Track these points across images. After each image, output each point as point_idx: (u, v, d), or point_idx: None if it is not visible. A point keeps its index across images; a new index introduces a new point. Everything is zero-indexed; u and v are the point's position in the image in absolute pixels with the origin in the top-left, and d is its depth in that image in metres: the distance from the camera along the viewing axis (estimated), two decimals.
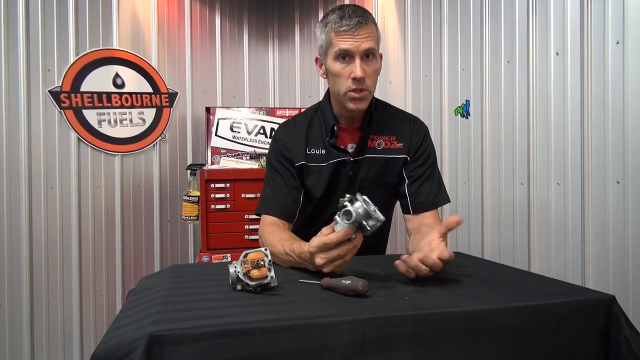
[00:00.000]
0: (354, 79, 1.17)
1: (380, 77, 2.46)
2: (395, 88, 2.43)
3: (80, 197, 2.20)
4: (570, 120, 1.76)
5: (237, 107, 2.58)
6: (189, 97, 2.60)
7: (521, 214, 1.97)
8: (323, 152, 1.28)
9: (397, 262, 0.90)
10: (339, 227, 0.90)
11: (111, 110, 2.29)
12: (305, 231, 1.27)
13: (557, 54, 1.81)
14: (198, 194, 2.13)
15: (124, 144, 2.34)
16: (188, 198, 2.14)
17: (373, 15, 2.44)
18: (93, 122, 2.23)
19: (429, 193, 1.27)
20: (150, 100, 2.43)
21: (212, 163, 2.40)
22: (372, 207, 0.90)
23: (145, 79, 2.41)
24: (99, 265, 2.26)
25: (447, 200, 1.32)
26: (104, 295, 2.27)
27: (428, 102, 2.29)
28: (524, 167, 1.96)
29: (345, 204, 0.90)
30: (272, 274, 0.79)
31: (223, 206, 2.11)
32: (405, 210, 1.29)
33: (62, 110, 2.13)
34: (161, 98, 2.46)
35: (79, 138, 2.19)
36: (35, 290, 2.07)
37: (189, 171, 2.23)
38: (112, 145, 2.29)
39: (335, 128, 1.27)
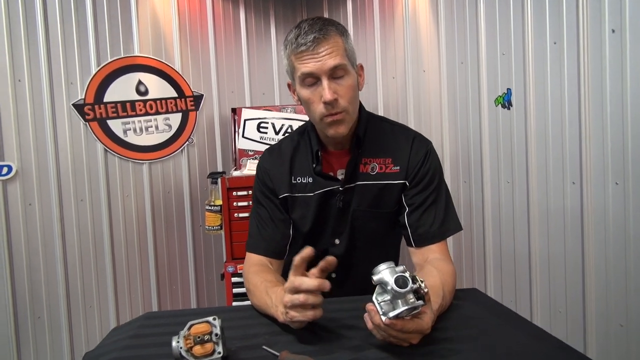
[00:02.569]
0: (325, 103, 1.02)
1: (414, 65, 2.27)
2: (429, 77, 2.22)
3: (110, 207, 2.21)
4: (630, 107, 1.50)
5: (264, 107, 2.48)
6: (216, 98, 2.53)
7: (573, 217, 1.73)
8: (310, 180, 1.14)
9: (365, 314, 0.77)
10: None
11: (136, 119, 2.27)
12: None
13: (613, 31, 1.54)
14: (220, 202, 2.06)
15: (151, 152, 2.32)
16: (210, 207, 2.09)
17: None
18: (118, 131, 2.22)
19: (434, 222, 1.08)
20: (175, 104, 2.38)
21: (240, 166, 2.32)
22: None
23: (169, 83, 2.37)
24: (133, 274, 2.28)
25: (458, 229, 1.12)
26: (140, 303, 2.30)
27: (465, 92, 2.07)
28: (576, 164, 1.72)
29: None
30: (220, 349, 0.69)
31: (246, 214, 2.03)
32: (408, 243, 1.12)
33: (87, 123, 2.14)
34: (186, 102, 2.41)
35: (105, 149, 2.19)
36: (72, 301, 2.12)
37: (209, 180, 2.17)
38: (139, 154, 2.28)
39: (320, 154, 1.13)
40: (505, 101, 1.92)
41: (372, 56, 2.46)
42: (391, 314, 0.73)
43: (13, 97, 1.98)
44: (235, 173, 2.18)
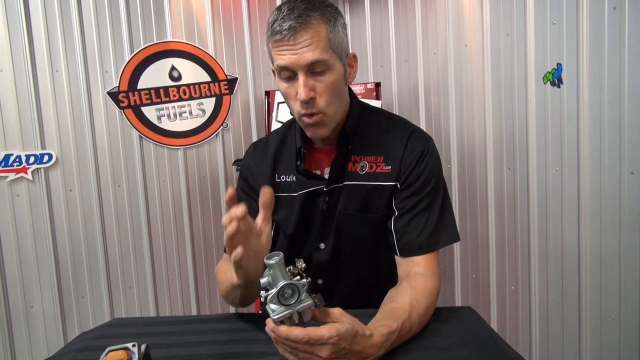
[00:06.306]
0: (301, 102, 0.91)
1: (455, 40, 2.07)
2: (472, 52, 2.01)
3: (146, 193, 2.26)
4: None
5: None
6: (251, 81, 2.48)
7: (630, 211, 1.51)
8: (294, 179, 1.04)
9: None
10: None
11: (169, 105, 2.28)
12: None
13: None
14: None
15: (186, 137, 2.33)
16: None
17: None
18: (152, 118, 2.24)
19: (423, 231, 0.94)
20: (209, 89, 2.36)
21: None
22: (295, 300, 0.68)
23: (203, 68, 2.34)
24: (170, 257, 2.33)
25: (453, 240, 0.97)
26: (177, 285, 2.36)
27: (510, 67, 1.85)
28: (636, 151, 1.49)
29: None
30: None
31: None
32: (394, 251, 1.00)
33: (121, 110, 2.18)
34: (220, 86, 2.39)
35: (140, 135, 2.22)
36: (112, 283, 2.22)
37: (234, 167, 2.14)
38: (173, 140, 2.30)
39: (303, 151, 1.03)
40: (554, 78, 1.69)
41: (413, 31, 2.28)
42: (275, 317, 0.67)
43: (52, 88, 2.05)
44: None
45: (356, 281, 1.06)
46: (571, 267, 1.70)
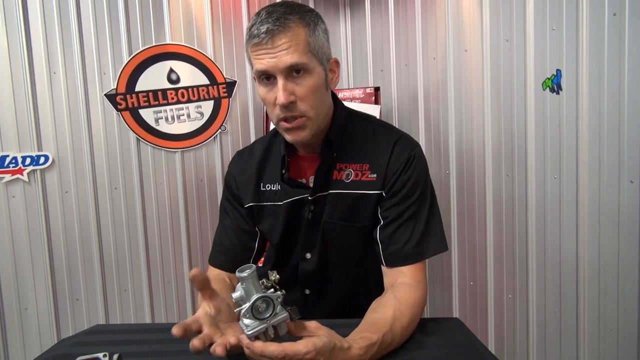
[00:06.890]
0: (280, 106, 0.90)
1: (455, 45, 2.05)
2: (471, 57, 1.99)
3: (143, 195, 2.25)
4: None
5: None
6: (250, 84, 2.47)
7: (630, 220, 1.49)
8: (279, 188, 1.03)
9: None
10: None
11: (167, 107, 2.27)
12: None
13: None
14: None
15: (183, 140, 2.32)
16: None
17: None
18: (150, 120, 2.24)
19: (409, 240, 0.92)
20: (208, 92, 2.36)
21: None
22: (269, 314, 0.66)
23: (201, 70, 2.34)
24: (167, 260, 2.32)
25: (440, 250, 0.95)
26: (173, 288, 2.34)
27: (509, 73, 1.83)
28: (635, 160, 1.46)
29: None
30: None
31: None
32: (380, 261, 0.97)
33: (119, 112, 2.17)
34: (219, 89, 2.38)
35: (137, 138, 2.22)
36: (107, 285, 2.20)
37: None
38: (171, 142, 2.29)
39: (287, 159, 1.01)
40: (554, 84, 1.66)
41: (413, 35, 2.26)
42: (249, 332, 0.65)
43: (49, 90, 2.04)
44: None
45: (343, 290, 1.05)
46: (569, 275, 1.67)
